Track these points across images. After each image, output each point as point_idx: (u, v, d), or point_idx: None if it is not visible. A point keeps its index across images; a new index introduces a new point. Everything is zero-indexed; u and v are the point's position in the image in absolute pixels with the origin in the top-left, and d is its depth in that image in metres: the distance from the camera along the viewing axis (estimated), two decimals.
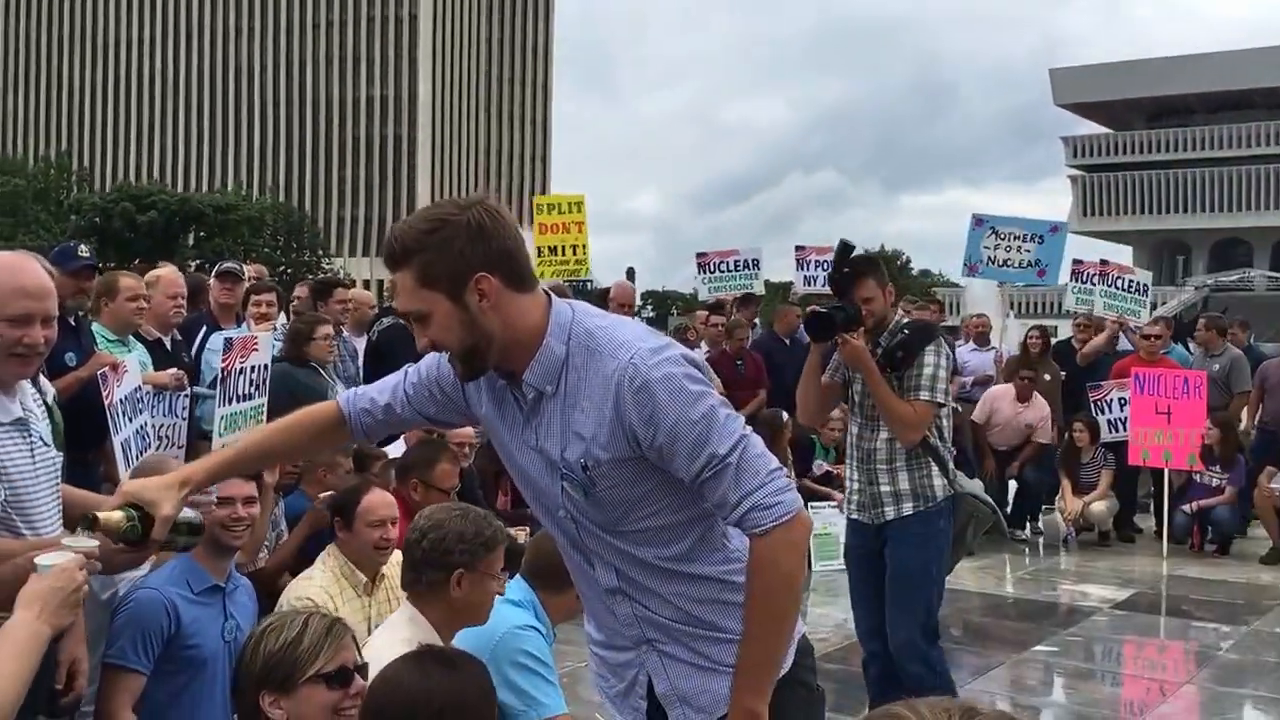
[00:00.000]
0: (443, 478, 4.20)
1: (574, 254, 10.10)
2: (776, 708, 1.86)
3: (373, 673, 2.19)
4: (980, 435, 8.40)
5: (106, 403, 3.92)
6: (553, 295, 1.88)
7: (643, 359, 1.76)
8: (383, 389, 2.10)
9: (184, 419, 4.81)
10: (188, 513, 2.07)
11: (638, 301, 13.64)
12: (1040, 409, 8.38)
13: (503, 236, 1.78)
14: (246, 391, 4.61)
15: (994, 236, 9.49)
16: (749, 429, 1.83)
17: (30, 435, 2.31)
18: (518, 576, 2.99)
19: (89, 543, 1.95)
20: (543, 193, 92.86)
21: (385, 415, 2.08)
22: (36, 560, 1.86)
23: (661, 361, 1.76)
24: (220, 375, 4.50)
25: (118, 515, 1.96)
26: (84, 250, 4.88)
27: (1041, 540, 8.45)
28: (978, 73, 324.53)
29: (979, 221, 9.64)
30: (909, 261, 67.50)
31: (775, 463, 1.82)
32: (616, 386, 1.75)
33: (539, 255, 10.17)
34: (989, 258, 9.52)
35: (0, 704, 1.57)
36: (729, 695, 1.85)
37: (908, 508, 3.74)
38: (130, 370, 4.18)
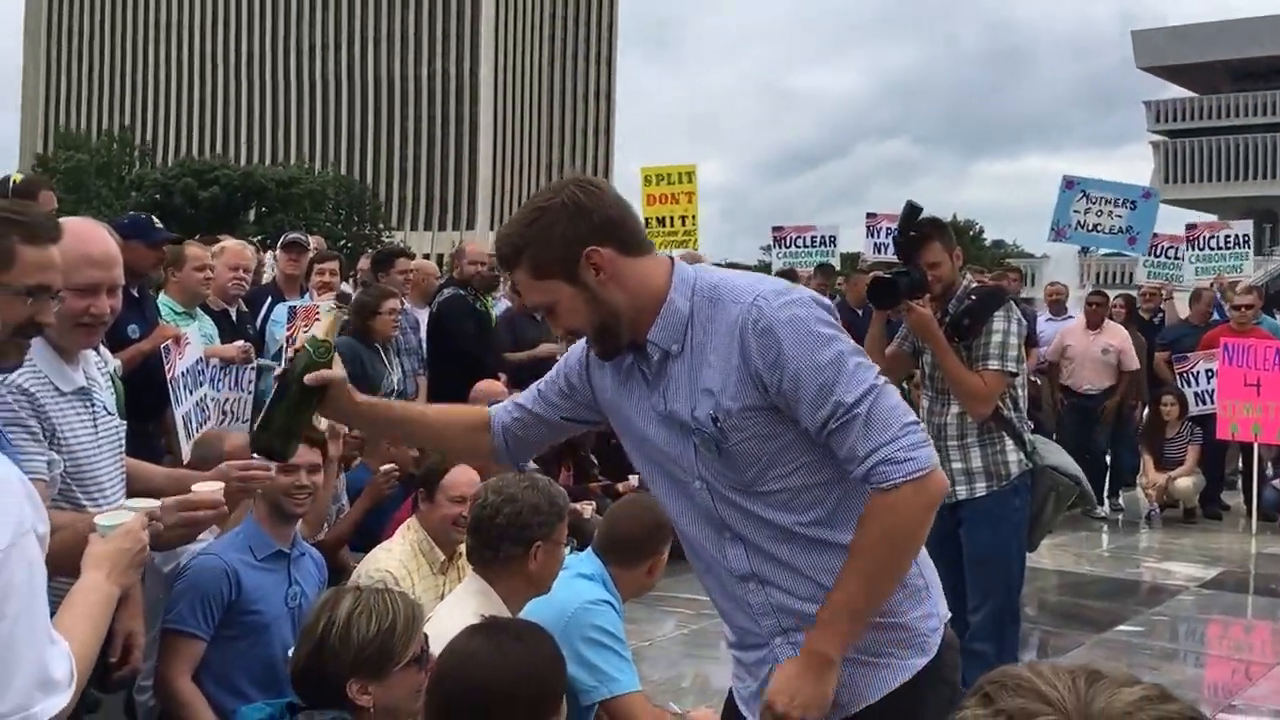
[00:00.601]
0: None
1: (683, 225, 9.95)
2: (918, 702, 1.79)
3: (437, 646, 2.15)
4: (1053, 374, 8.08)
5: (169, 376, 3.93)
6: (675, 259, 1.84)
7: (767, 301, 1.71)
8: (522, 393, 2.10)
9: (250, 393, 4.82)
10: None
11: None
12: (1117, 333, 7.96)
13: (604, 206, 1.76)
14: None
15: (1084, 200, 9.06)
16: (883, 379, 1.73)
17: (93, 405, 2.30)
18: (588, 550, 2.94)
19: (150, 503, 1.92)
20: (606, 168, 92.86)
21: (520, 414, 2.05)
22: (96, 521, 1.82)
23: (788, 303, 1.72)
24: (284, 344, 4.51)
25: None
26: (156, 222, 4.91)
27: (1122, 517, 8.19)
28: (1054, 37, 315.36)
29: (1070, 184, 9.23)
30: (981, 231, 65.88)
31: (911, 416, 1.72)
32: (741, 331, 1.71)
33: (647, 227, 10.08)
34: (1078, 222, 9.10)
35: (79, 663, 1.54)
36: (874, 690, 1.78)
37: (980, 488, 3.58)
38: (192, 342, 4.20)
